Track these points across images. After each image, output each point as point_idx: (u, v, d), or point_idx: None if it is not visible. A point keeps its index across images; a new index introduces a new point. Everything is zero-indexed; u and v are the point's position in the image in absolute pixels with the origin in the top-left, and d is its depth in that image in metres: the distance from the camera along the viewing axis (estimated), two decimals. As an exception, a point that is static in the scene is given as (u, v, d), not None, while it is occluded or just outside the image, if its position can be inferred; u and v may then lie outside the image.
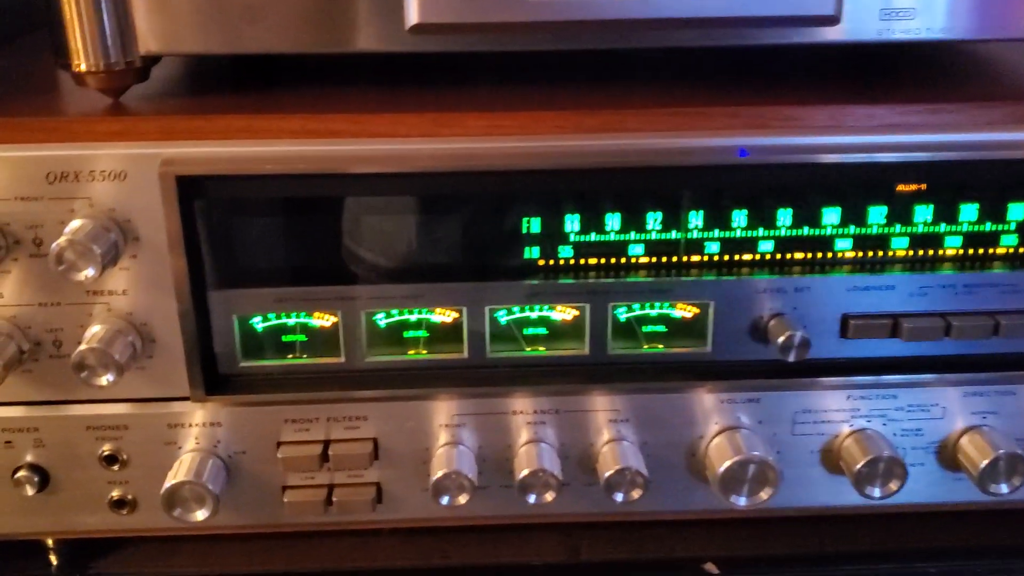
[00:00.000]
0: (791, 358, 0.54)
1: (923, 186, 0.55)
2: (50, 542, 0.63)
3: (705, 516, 0.62)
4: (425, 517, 0.61)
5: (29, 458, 0.57)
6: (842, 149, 0.53)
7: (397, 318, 0.57)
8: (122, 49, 0.53)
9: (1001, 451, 0.57)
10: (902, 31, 0.53)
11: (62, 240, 0.50)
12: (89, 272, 0.50)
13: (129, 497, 0.59)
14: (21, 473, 0.57)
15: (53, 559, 0.63)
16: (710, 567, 0.61)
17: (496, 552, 0.64)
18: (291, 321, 0.56)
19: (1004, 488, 0.57)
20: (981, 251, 0.56)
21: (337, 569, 0.63)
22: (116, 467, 0.58)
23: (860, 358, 0.58)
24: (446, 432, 0.58)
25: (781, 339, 0.54)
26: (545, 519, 0.62)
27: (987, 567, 0.63)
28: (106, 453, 0.57)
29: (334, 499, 0.59)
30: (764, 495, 0.56)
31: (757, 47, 0.54)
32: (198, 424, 0.57)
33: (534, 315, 0.57)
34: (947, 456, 0.60)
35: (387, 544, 0.65)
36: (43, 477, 0.58)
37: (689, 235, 0.56)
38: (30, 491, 0.58)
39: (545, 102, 0.55)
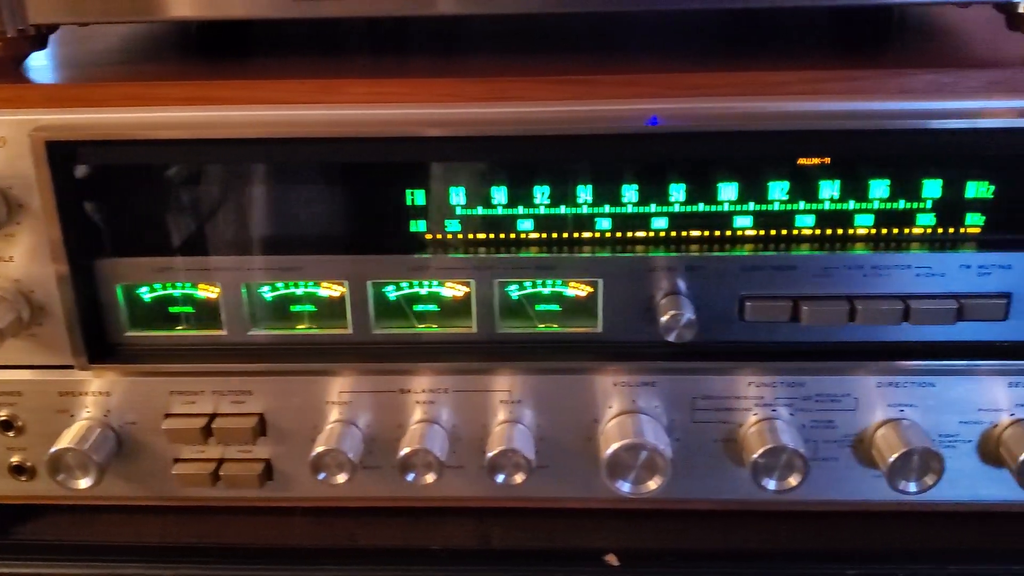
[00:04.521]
0: (672, 339, 0.52)
1: (827, 160, 0.52)
2: (-31, 508, 0.64)
3: (609, 506, 0.60)
4: (315, 496, 0.60)
5: (-69, 422, 0.59)
6: (744, 117, 0.50)
7: (283, 291, 0.56)
8: (12, 18, 0.54)
9: (913, 447, 0.53)
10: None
11: (-59, 205, 0.51)
12: (-34, 236, 0.51)
13: (28, 464, 0.59)
14: (-77, 437, 0.59)
15: (-28, 524, 0.64)
16: (611, 559, 0.58)
17: (405, 536, 0.63)
18: (176, 292, 0.56)
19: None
20: (895, 231, 0.53)
21: (251, 545, 0.62)
22: (12, 433, 0.58)
23: (763, 342, 0.54)
24: (335, 410, 0.57)
25: (665, 319, 0.52)
26: (441, 503, 0.61)
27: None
28: (2, 418, 0.58)
29: (221, 474, 0.58)
30: (653, 484, 0.54)
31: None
32: (89, 393, 0.57)
33: (423, 291, 0.56)
34: (863, 450, 0.56)
35: (300, 524, 0.64)
36: (-55, 441, 0.59)
37: (579, 210, 0.53)
38: (-67, 455, 0.59)
39: (432, 70, 0.53)
